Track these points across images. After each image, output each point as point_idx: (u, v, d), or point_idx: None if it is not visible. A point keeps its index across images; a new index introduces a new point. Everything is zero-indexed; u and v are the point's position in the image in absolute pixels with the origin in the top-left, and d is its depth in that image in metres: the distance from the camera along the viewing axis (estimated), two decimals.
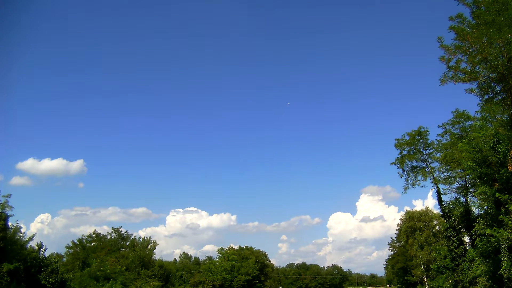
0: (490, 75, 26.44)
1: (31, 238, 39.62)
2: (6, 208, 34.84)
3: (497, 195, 24.80)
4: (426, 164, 45.10)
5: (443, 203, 42.43)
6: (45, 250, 41.34)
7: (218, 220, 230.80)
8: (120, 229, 76.93)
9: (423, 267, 68.38)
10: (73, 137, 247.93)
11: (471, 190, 40.26)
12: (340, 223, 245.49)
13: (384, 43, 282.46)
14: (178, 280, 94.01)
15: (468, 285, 36.22)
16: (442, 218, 44.29)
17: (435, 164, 44.77)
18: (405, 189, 45.63)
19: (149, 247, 73.66)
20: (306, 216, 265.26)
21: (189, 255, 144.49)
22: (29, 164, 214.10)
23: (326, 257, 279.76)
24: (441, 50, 26.55)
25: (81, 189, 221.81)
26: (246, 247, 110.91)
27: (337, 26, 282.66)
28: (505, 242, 24.86)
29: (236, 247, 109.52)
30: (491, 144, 26.40)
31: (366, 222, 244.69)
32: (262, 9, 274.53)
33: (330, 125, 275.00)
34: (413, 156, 45.30)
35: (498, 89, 27.33)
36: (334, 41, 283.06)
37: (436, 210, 67.54)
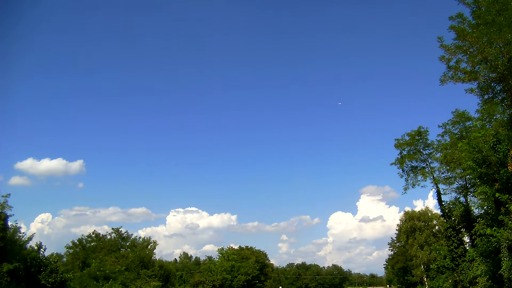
0: (490, 75, 26.37)
1: (30, 238, 39.65)
2: (6, 208, 34.90)
3: (497, 195, 24.78)
4: (426, 164, 45.12)
5: (443, 203, 42.43)
6: (44, 250, 41.48)
7: (218, 220, 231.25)
8: (120, 229, 76.89)
9: (423, 267, 68.32)
10: (73, 137, 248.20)
11: (471, 190, 40.25)
12: (340, 223, 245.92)
13: (384, 43, 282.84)
14: (178, 280, 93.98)
15: (468, 285, 36.21)
16: (442, 218, 44.29)
17: (435, 164, 44.85)
18: (405, 189, 45.69)
19: (149, 247, 73.61)
20: (306, 216, 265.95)
21: (189, 255, 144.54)
22: (28, 164, 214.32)
23: (326, 257, 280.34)
24: (441, 50, 26.46)
25: (81, 189, 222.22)
26: (246, 247, 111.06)
27: (337, 26, 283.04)
28: (505, 242, 24.82)
29: (236, 247, 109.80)
30: (491, 144, 26.36)
31: (366, 222, 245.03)
32: (263, 9, 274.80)
33: (330, 125, 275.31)
34: (413, 156, 45.30)
35: (498, 89, 27.29)
36: (334, 41, 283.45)
37: (436, 210, 67.66)
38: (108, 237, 75.25)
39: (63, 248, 74.42)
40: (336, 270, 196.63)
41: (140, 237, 77.68)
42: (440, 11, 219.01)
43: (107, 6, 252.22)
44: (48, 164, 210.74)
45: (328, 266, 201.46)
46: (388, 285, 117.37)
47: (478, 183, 29.23)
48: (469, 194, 41.30)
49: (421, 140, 44.89)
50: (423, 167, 45.03)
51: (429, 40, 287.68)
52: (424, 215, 73.46)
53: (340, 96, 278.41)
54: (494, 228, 25.18)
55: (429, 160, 45.05)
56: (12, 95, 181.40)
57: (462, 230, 40.45)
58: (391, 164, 46.44)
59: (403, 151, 45.86)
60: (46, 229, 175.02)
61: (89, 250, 68.30)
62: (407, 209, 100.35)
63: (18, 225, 37.78)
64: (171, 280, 76.83)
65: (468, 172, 30.92)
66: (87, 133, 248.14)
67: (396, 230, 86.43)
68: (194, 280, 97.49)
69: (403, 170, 45.71)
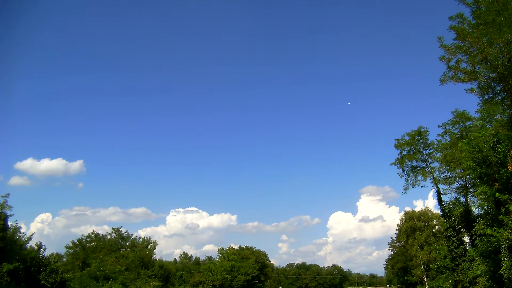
0: (490, 75, 26.42)
1: (30, 238, 39.67)
2: (6, 208, 34.90)
3: (497, 195, 24.80)
4: (426, 164, 45.13)
5: (443, 203, 42.43)
6: (44, 250, 41.50)
7: (218, 220, 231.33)
8: (120, 229, 76.83)
9: (423, 267, 68.34)
10: (73, 137, 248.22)
11: (471, 190, 40.27)
12: (340, 223, 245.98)
13: (384, 43, 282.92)
14: (178, 280, 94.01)
15: (468, 285, 36.20)
16: (442, 218, 44.28)
17: (435, 164, 44.88)
18: (405, 189, 45.72)
19: (149, 247, 73.60)
20: (306, 216, 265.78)
21: (189, 255, 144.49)
22: (28, 164, 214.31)
23: (326, 257, 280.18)
24: (441, 50, 26.52)
25: (81, 189, 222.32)
26: (246, 247, 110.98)
27: (337, 26, 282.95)
28: (505, 242, 24.84)
29: (236, 247, 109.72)
30: (491, 144, 26.38)
31: (366, 222, 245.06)
32: (262, 9, 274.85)
33: (330, 125, 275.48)
34: (413, 156, 45.30)
35: (498, 89, 27.35)
36: (334, 41, 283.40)
37: (436, 210, 67.66)
38: (108, 237, 75.23)
39: (63, 248, 74.48)
40: (336, 270, 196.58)
41: (140, 237, 77.75)
42: (440, 11, 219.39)
43: (106, 6, 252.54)
44: (48, 164, 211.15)
45: (328, 266, 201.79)
46: (388, 285, 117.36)
47: (478, 183, 29.26)
48: (469, 194, 41.31)
49: (421, 140, 44.90)
50: (423, 167, 45.05)
51: (429, 40, 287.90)
52: (424, 215, 73.45)
53: (340, 96, 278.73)
54: (494, 228, 25.19)
55: (429, 160, 45.12)
56: (12, 95, 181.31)
57: (462, 230, 40.45)
58: (391, 164, 46.55)
59: (403, 151, 45.87)
60: (46, 229, 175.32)
61: (89, 250, 68.26)
62: (407, 209, 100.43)
63: (18, 225, 37.86)
64: (171, 280, 76.82)
65: (468, 172, 30.93)
66: (87, 133, 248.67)
67: (396, 230, 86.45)
68: (194, 280, 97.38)
69: (403, 170, 45.76)
